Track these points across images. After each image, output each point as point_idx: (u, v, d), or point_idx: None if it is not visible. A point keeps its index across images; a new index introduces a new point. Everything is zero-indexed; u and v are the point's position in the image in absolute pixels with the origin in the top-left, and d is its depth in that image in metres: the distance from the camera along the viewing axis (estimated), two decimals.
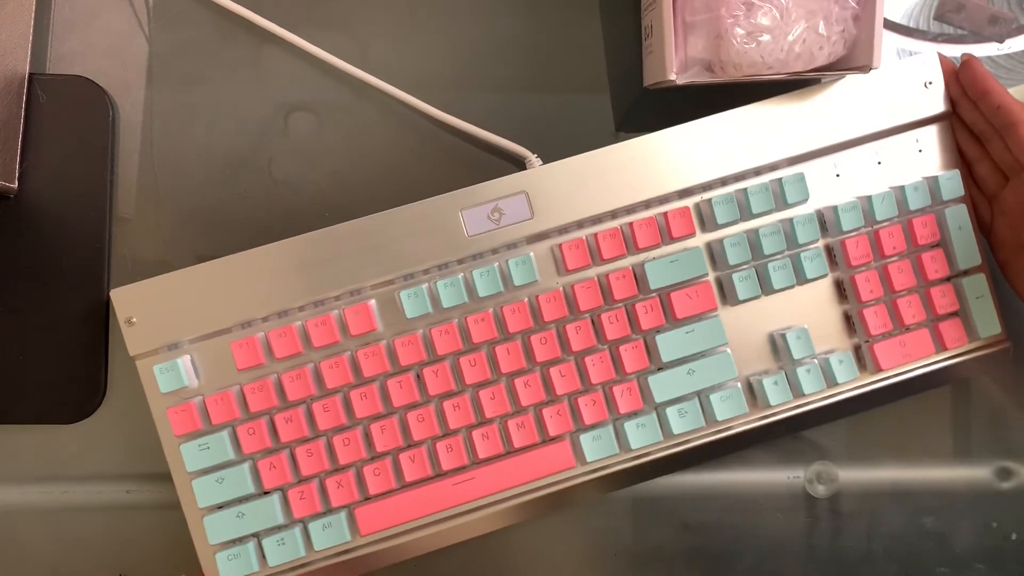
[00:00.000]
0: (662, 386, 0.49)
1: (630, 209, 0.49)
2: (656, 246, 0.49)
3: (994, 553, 0.54)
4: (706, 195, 0.50)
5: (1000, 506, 0.54)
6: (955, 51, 0.55)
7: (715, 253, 0.50)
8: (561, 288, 0.49)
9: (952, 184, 0.50)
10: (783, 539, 0.54)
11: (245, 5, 0.51)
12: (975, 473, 0.55)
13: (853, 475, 0.54)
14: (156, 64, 0.52)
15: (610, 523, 0.54)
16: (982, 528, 0.54)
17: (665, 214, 0.49)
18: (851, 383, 0.50)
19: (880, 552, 0.54)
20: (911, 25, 0.55)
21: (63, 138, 0.51)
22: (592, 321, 0.49)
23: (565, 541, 0.54)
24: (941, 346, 0.50)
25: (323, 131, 0.52)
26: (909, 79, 0.50)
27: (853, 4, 0.47)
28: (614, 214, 0.49)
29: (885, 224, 0.50)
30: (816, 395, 0.50)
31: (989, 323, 0.50)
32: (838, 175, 0.50)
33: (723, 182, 0.50)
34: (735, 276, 0.49)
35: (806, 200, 0.50)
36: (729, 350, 0.49)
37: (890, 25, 0.55)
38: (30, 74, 0.50)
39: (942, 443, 0.54)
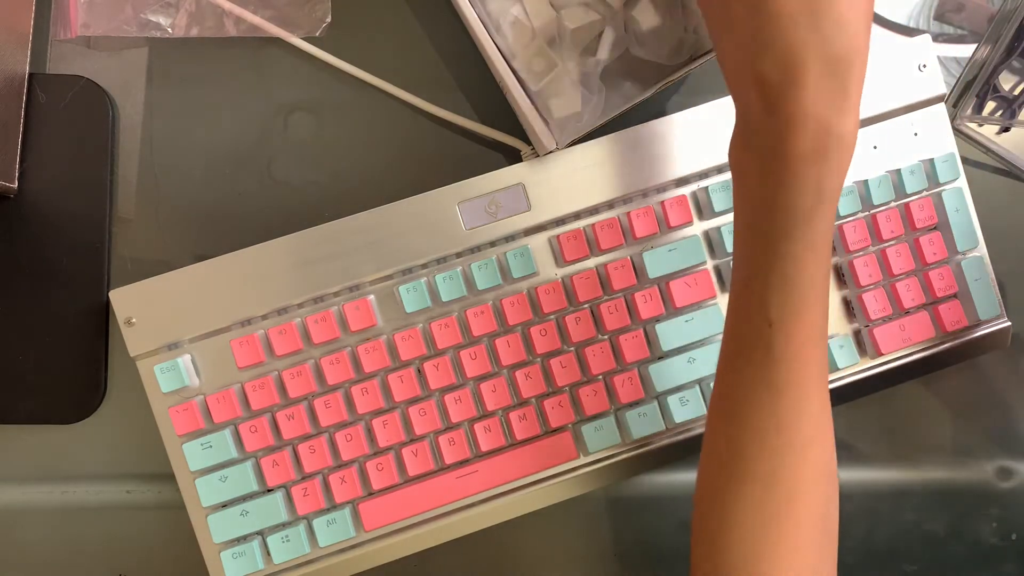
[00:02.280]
0: (663, 375, 0.49)
1: (627, 199, 0.50)
2: (654, 235, 0.50)
3: (994, 553, 0.54)
4: (703, 183, 0.50)
5: (1000, 506, 0.54)
6: (955, 51, 0.55)
7: (713, 241, 0.50)
8: (560, 279, 0.49)
9: (949, 167, 0.50)
10: None
11: (244, 5, 0.52)
12: (975, 473, 0.54)
13: (853, 475, 0.54)
14: (156, 64, 0.52)
15: (610, 523, 0.53)
16: (982, 528, 0.54)
17: (662, 203, 0.49)
18: (852, 368, 0.50)
19: (880, 552, 0.54)
20: (911, 25, 0.55)
21: (63, 138, 0.51)
22: (591, 312, 0.49)
23: (566, 541, 0.53)
24: (941, 329, 0.50)
25: (323, 131, 0.53)
26: (903, 63, 0.50)
27: None
28: (611, 204, 0.50)
29: (882, 208, 0.50)
30: None
31: (989, 304, 0.50)
32: None
33: (719, 170, 0.50)
34: None
35: None
36: None
37: (890, 25, 0.55)
38: (30, 74, 0.51)
39: (942, 443, 0.54)
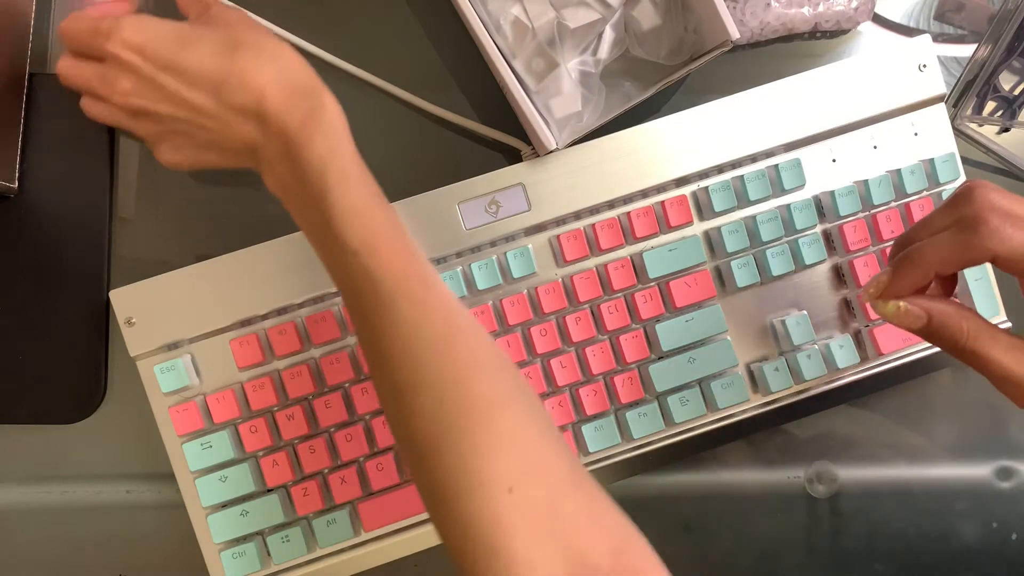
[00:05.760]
0: (663, 375, 0.49)
1: (627, 199, 0.50)
2: (654, 235, 0.50)
3: (994, 553, 0.54)
4: (703, 183, 0.50)
5: (1000, 506, 0.54)
6: (955, 51, 0.55)
7: (713, 241, 0.50)
8: (560, 279, 0.49)
9: (949, 167, 0.50)
10: (783, 539, 0.54)
11: (243, 5, 0.52)
12: (975, 473, 0.54)
13: (853, 475, 0.54)
14: None
15: None
16: (982, 528, 0.54)
17: (663, 203, 0.49)
18: (852, 368, 0.50)
19: (880, 552, 0.54)
20: (911, 25, 0.55)
21: (63, 138, 0.51)
22: (592, 312, 0.49)
23: None
24: None
25: None
26: (903, 63, 0.50)
27: None
28: (611, 204, 0.50)
29: (882, 208, 0.50)
30: (817, 380, 0.50)
31: (989, 304, 0.50)
32: (834, 160, 0.50)
33: (720, 169, 0.50)
34: (734, 263, 0.49)
35: (803, 186, 0.50)
36: (729, 337, 0.49)
37: (890, 25, 0.55)
38: (30, 74, 0.51)
39: (942, 443, 0.54)
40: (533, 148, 0.49)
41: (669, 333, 0.49)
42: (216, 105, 0.38)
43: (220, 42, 0.38)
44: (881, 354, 0.50)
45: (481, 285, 0.48)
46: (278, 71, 0.37)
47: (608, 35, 0.48)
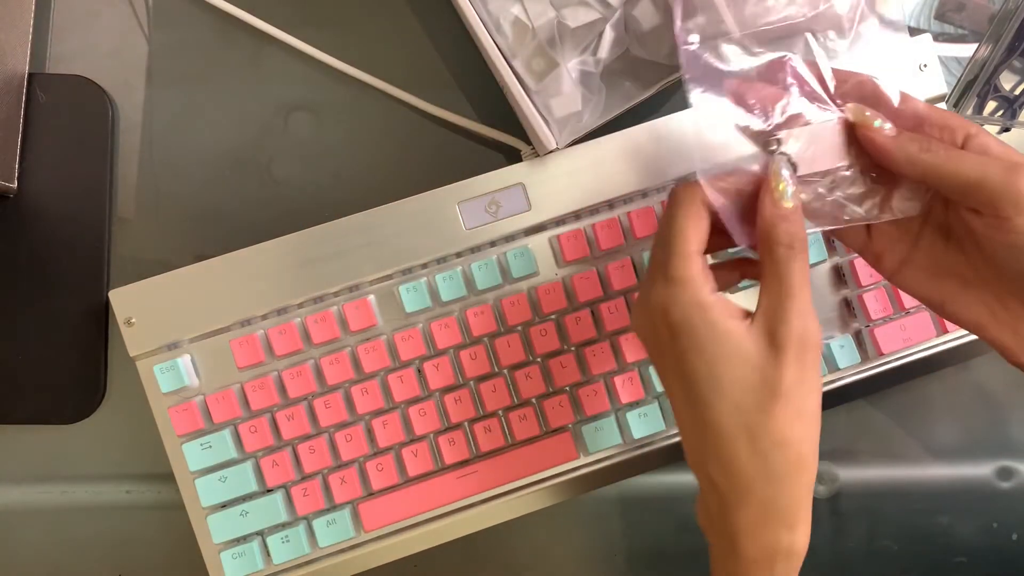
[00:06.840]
0: None
1: (627, 199, 0.50)
2: (654, 235, 0.49)
3: (995, 553, 0.54)
4: None
5: (1000, 506, 0.54)
6: (956, 51, 0.55)
7: None
8: (560, 279, 0.49)
9: None
10: None
11: (243, 7, 0.52)
12: (975, 473, 0.54)
13: (853, 475, 0.54)
14: (156, 64, 0.52)
15: (610, 523, 0.53)
16: (983, 528, 0.54)
17: (662, 203, 0.49)
18: (853, 368, 0.50)
19: (880, 552, 0.54)
20: (911, 25, 0.55)
21: (63, 138, 0.51)
22: (592, 312, 0.49)
23: (565, 541, 0.53)
24: (941, 329, 0.50)
25: (323, 131, 0.53)
26: (904, 63, 0.50)
27: None
28: (611, 204, 0.50)
29: None
30: None
31: None
32: None
33: None
34: None
35: None
36: None
37: (891, 24, 0.55)
38: (30, 74, 0.51)
39: (942, 443, 0.54)
40: (533, 148, 0.49)
41: None
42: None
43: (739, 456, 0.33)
44: (881, 354, 0.50)
45: (481, 285, 0.48)
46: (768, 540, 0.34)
47: (608, 35, 0.48)
